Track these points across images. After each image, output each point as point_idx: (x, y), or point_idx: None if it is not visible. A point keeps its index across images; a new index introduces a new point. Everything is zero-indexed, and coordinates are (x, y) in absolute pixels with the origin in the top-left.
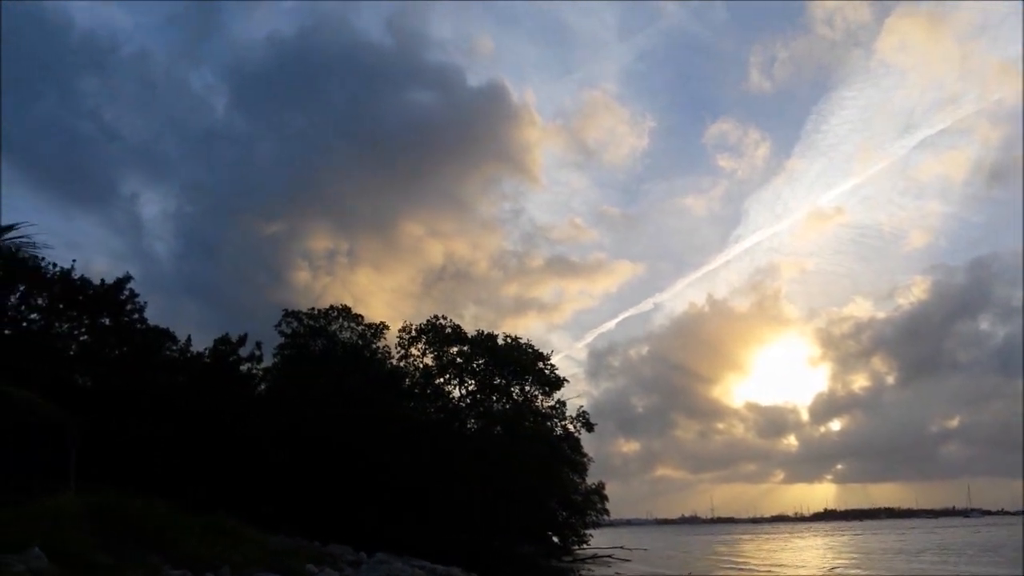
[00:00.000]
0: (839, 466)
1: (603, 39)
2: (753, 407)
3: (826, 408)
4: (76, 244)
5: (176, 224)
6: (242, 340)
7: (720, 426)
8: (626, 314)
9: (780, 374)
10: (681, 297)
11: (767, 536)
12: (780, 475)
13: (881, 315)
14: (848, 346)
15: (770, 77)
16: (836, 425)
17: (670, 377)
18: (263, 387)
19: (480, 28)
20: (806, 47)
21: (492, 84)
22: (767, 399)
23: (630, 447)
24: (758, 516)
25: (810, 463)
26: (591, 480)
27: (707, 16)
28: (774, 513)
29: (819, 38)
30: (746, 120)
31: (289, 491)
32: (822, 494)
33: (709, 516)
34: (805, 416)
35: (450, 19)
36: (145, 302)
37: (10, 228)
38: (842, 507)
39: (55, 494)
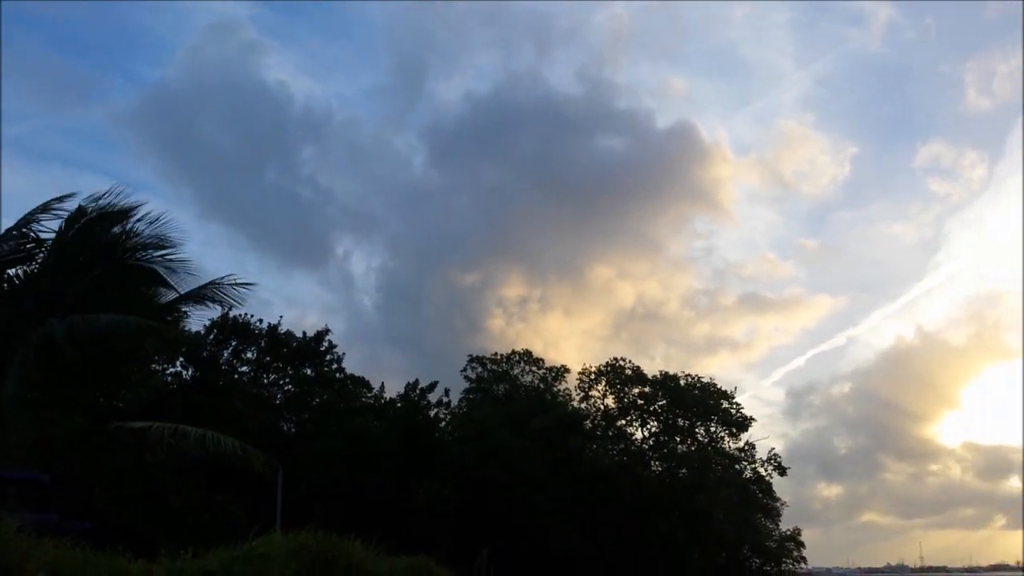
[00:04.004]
0: None
1: (781, 68)
2: (971, 447)
3: None
4: (294, 300)
5: (380, 278)
6: (431, 386)
7: (934, 468)
8: (816, 350)
9: (1002, 411)
10: (879, 330)
11: None
12: (1001, 520)
13: None
14: None
15: (989, 94)
16: None
17: (877, 416)
18: (448, 428)
19: (666, 70)
20: None
21: (681, 123)
22: (987, 438)
23: (832, 491)
24: (974, 565)
25: None
26: (786, 526)
27: (895, 39)
28: (993, 562)
29: None
30: (960, 141)
31: (475, 535)
32: None
33: (918, 565)
34: None
35: (637, 64)
36: (343, 352)
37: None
38: None
39: (264, 535)
